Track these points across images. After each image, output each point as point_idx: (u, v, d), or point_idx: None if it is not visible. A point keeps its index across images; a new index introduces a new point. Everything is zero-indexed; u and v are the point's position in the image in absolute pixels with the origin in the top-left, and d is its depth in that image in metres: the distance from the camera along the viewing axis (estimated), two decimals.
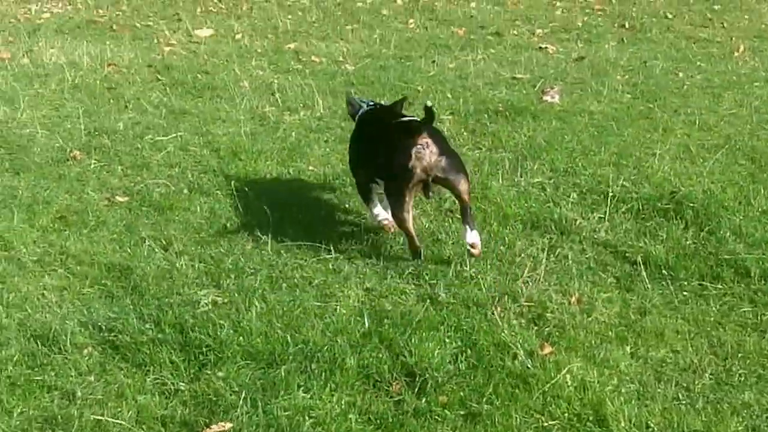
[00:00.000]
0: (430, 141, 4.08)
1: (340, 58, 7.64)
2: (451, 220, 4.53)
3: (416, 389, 3.21)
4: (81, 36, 8.55)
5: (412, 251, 4.16)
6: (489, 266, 4.07)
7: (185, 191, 4.94)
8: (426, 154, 4.05)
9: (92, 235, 4.44)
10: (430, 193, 4.15)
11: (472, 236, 4.08)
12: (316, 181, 5.08)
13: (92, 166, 5.28)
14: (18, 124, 5.96)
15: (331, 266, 4.13)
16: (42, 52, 7.75)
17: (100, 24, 9.08)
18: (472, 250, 4.07)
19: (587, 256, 4.16)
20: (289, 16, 9.30)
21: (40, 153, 5.49)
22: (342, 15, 9.44)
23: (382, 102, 5.26)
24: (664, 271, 4.00)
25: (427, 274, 4.01)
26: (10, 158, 5.42)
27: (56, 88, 6.74)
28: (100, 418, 3.09)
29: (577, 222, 4.44)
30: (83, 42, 8.20)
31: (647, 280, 3.93)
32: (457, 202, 4.23)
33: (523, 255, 4.15)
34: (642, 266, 4.02)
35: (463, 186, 4.12)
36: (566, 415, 3.07)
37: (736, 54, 7.80)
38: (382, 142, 4.25)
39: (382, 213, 4.40)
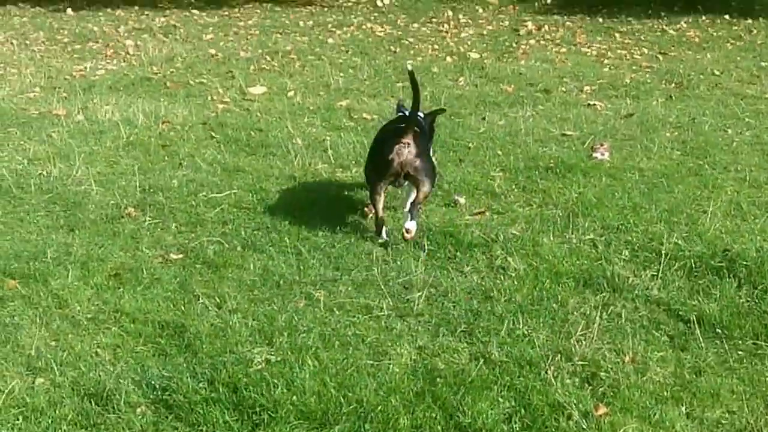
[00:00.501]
0: (411, 143, 4.91)
1: (391, 116, 7.66)
2: (503, 277, 4.51)
3: None
4: (135, 93, 8.66)
5: (377, 229, 5.01)
6: (542, 324, 4.03)
7: (239, 248, 4.96)
8: (405, 152, 4.91)
9: (146, 293, 4.46)
10: (398, 184, 5.04)
11: (411, 224, 4.91)
12: (369, 238, 5.07)
13: (146, 223, 5.33)
14: (73, 180, 6.03)
15: (383, 324, 4.12)
16: (97, 109, 7.87)
17: (154, 81, 9.20)
18: (406, 234, 4.90)
19: (640, 314, 4.11)
20: (341, 74, 9.38)
21: (94, 210, 5.55)
22: (393, 73, 9.49)
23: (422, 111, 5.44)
24: (718, 330, 3.94)
25: (479, 332, 3.98)
26: (65, 215, 5.48)
27: (111, 144, 6.83)
28: None
29: (630, 280, 4.39)
30: (137, 99, 8.32)
31: (701, 339, 3.86)
32: (414, 194, 5.01)
33: (575, 313, 4.11)
34: (696, 325, 3.96)
35: (425, 188, 4.99)
36: None
37: None
38: (378, 143, 5.17)
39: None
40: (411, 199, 5.06)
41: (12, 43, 11.39)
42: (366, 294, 4.40)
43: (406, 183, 5.07)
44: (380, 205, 5.02)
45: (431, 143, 5.53)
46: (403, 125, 5.05)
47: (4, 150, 6.69)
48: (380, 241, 4.98)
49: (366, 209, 5.42)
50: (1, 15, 14.06)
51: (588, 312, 4.11)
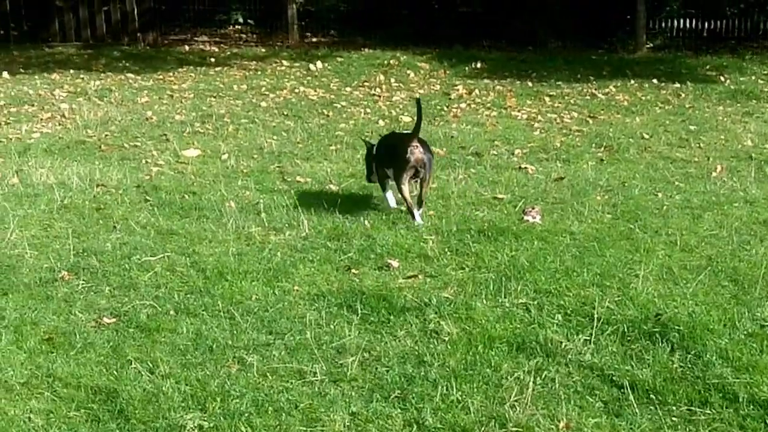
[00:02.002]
0: (419, 145, 6.35)
1: (324, 178, 7.66)
2: (436, 342, 4.48)
3: None
4: (70, 156, 8.55)
5: (410, 214, 6.37)
6: (475, 389, 4.00)
7: (171, 312, 4.88)
8: (417, 152, 6.31)
9: (79, 358, 4.36)
10: (417, 179, 6.39)
11: (419, 218, 6.35)
12: (301, 301, 5.03)
13: (80, 286, 5.22)
14: (7, 244, 5.91)
15: (317, 389, 4.06)
16: (32, 172, 7.75)
17: (89, 144, 9.10)
18: (420, 224, 6.27)
19: (574, 379, 4.10)
20: (274, 137, 9.37)
21: (28, 273, 5.43)
22: (325, 136, 9.50)
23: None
24: (652, 396, 3.94)
25: (413, 398, 3.94)
26: None
27: (45, 208, 6.71)
28: None
29: (563, 344, 4.39)
30: (72, 162, 8.21)
31: (635, 405, 3.86)
32: (419, 188, 6.50)
33: (509, 378, 4.09)
34: (629, 390, 3.96)
35: (429, 180, 6.55)
36: None
37: (714, 174, 7.87)
38: (393, 150, 6.44)
39: (390, 197, 6.72)
40: (419, 195, 6.52)
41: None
42: (299, 358, 4.34)
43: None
44: (407, 194, 6.35)
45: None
46: (408, 133, 6.60)
47: None
48: (416, 223, 6.31)
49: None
50: None
51: (522, 377, 4.09)
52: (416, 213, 6.37)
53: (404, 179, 6.34)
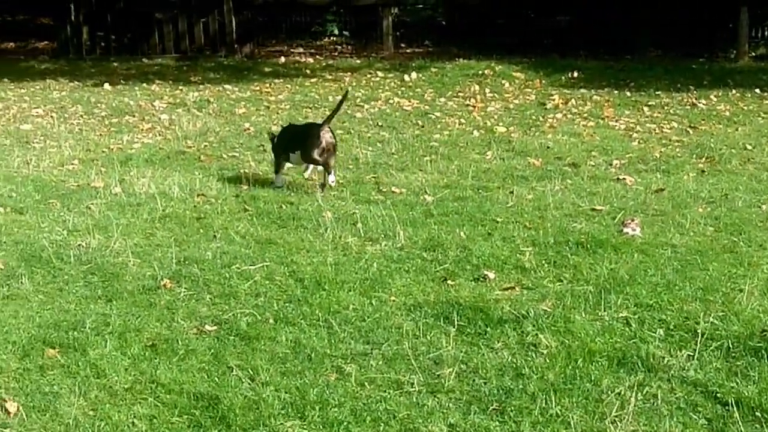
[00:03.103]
0: (329, 130, 7.63)
1: (419, 189, 7.67)
2: (534, 355, 4.46)
3: None
4: (171, 166, 8.72)
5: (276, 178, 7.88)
6: (575, 404, 3.97)
7: (271, 321, 4.95)
8: (327, 135, 7.58)
9: (181, 364, 4.45)
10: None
11: (332, 177, 7.70)
12: (398, 311, 5.05)
13: (182, 294, 5.33)
14: (111, 252, 6.05)
15: (414, 400, 4.08)
16: (133, 182, 7.92)
17: (188, 155, 9.27)
18: (332, 184, 7.68)
19: (677, 395, 4.04)
20: (369, 148, 9.42)
21: (131, 281, 5.56)
22: (419, 147, 9.52)
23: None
24: (757, 413, 3.85)
25: (511, 411, 3.93)
26: (103, 286, 5.50)
27: (147, 217, 6.86)
28: None
29: (665, 360, 4.33)
30: (173, 172, 8.38)
31: (740, 423, 3.78)
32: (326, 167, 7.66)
33: (610, 393, 4.04)
34: (734, 408, 3.87)
35: (332, 161, 7.71)
36: None
37: None
38: (302, 134, 7.78)
39: (279, 178, 7.90)
40: (326, 171, 7.72)
41: (52, 117, 11.54)
42: (396, 369, 4.36)
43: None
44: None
45: None
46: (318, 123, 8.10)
47: (45, 221, 6.74)
48: (277, 185, 7.80)
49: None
50: (42, 89, 14.27)
51: (623, 392, 4.04)
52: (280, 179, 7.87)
53: (317, 155, 7.59)
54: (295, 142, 7.78)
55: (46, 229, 6.58)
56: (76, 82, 14.84)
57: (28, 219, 6.84)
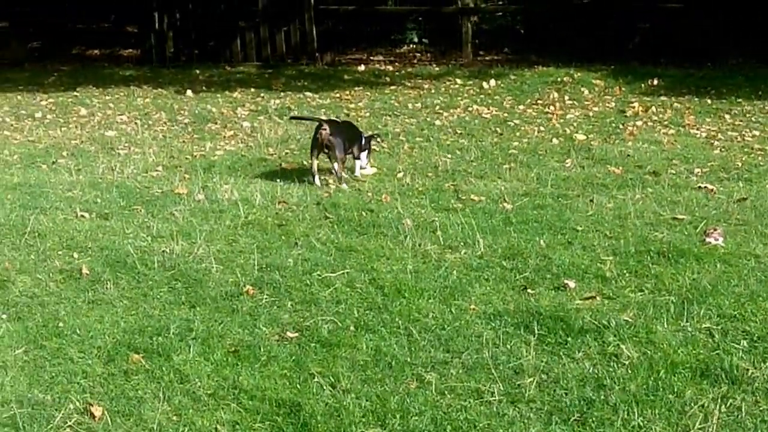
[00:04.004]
0: (326, 127, 8.16)
1: (498, 197, 7.63)
2: (616, 365, 4.40)
3: None
4: (253, 173, 8.80)
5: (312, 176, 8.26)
6: (658, 416, 3.91)
7: (351, 328, 4.97)
8: (323, 133, 8.07)
9: (263, 370, 4.49)
10: (325, 152, 8.21)
11: (337, 166, 8.25)
12: (478, 320, 5.03)
13: (264, 301, 5.38)
14: (194, 258, 6.13)
15: (494, 409, 4.06)
16: (216, 189, 8.02)
17: (270, 162, 9.35)
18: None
19: (761, 408, 3.95)
20: (449, 155, 9.40)
21: (214, 287, 5.63)
22: (498, 154, 9.48)
23: None
24: None
25: (593, 422, 3.89)
26: (186, 291, 5.57)
27: (230, 223, 6.93)
28: None
29: (749, 372, 4.24)
30: (255, 179, 8.46)
31: None
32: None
33: (693, 405, 3.98)
34: None
35: (338, 155, 8.18)
36: None
37: None
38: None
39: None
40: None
41: (136, 123, 11.73)
42: (477, 378, 4.35)
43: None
44: (314, 166, 8.24)
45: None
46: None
47: (130, 227, 6.85)
48: (316, 183, 8.18)
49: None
50: (126, 96, 14.51)
51: (706, 404, 3.98)
52: (316, 177, 8.23)
53: (314, 154, 8.21)
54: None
55: (130, 234, 6.69)
56: (160, 89, 15.06)
57: (113, 225, 6.96)
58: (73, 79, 16.36)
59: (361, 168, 8.65)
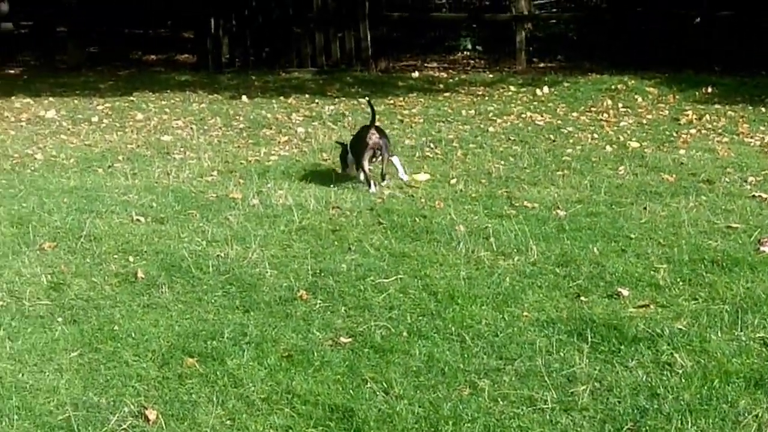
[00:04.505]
0: (375, 132, 8.30)
1: (552, 204, 7.59)
2: (669, 374, 4.36)
3: None
4: (306, 179, 8.84)
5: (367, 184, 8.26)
6: (712, 425, 3.87)
7: (405, 334, 4.97)
8: (374, 138, 8.22)
9: (317, 375, 4.51)
10: (376, 159, 8.31)
11: (402, 173, 8.53)
12: (531, 327, 5.01)
13: (317, 306, 5.40)
14: (249, 262, 6.17)
15: (547, 417, 4.04)
16: (271, 194, 8.06)
17: (324, 167, 9.38)
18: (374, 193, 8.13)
19: None
20: (502, 162, 9.37)
21: (268, 291, 5.66)
22: (552, 161, 9.42)
23: None
24: None
25: (646, 431, 3.85)
26: (240, 296, 5.62)
27: (284, 228, 6.97)
28: None
29: None
30: (309, 184, 8.50)
31: None
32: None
33: (747, 415, 3.93)
34: None
35: (386, 155, 8.34)
36: None
37: None
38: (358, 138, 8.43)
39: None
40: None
41: (191, 128, 11.84)
42: (530, 385, 4.33)
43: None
44: (367, 170, 8.25)
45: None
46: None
47: (185, 231, 6.91)
48: (371, 191, 8.12)
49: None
50: (182, 101, 14.64)
51: (760, 414, 3.93)
52: (372, 185, 8.15)
53: (365, 157, 8.20)
54: (352, 146, 8.59)
55: (185, 239, 6.75)
56: (215, 95, 15.18)
57: (169, 229, 7.03)
58: (130, 84, 16.56)
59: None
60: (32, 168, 9.59)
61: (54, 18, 20.94)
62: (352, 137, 8.82)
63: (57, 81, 17.26)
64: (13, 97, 15.23)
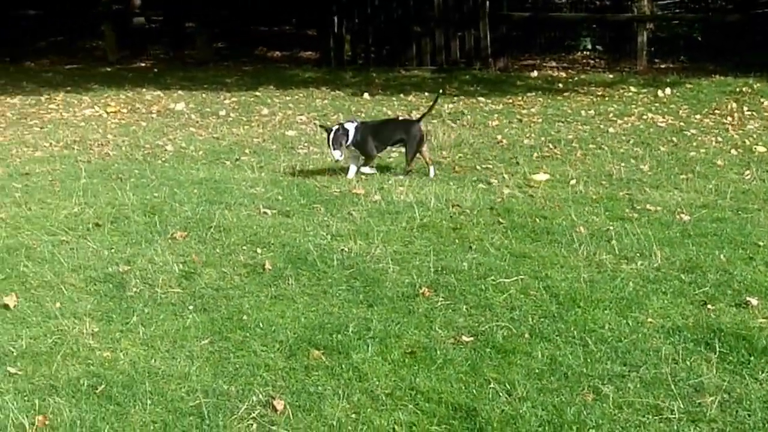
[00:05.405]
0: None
1: (675, 208, 7.39)
2: None
3: None
4: (427, 176, 8.80)
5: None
6: None
7: (526, 335, 4.89)
8: (423, 130, 8.70)
9: (439, 373, 4.47)
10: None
11: (432, 170, 8.71)
12: (656, 334, 4.87)
13: (439, 303, 5.36)
14: (372, 258, 6.17)
15: (674, 427, 3.93)
16: (392, 190, 8.05)
17: (443, 165, 9.33)
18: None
19: None
20: (622, 164, 9.16)
21: (391, 287, 5.64)
22: (675, 164, 9.18)
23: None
24: None
25: None
26: (364, 290, 5.61)
27: (406, 225, 6.94)
28: None
29: None
30: (429, 182, 8.46)
31: None
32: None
33: None
34: None
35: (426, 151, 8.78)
36: None
37: None
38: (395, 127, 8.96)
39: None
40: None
41: (314, 124, 11.93)
42: (655, 393, 4.21)
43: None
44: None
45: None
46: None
47: (310, 225, 6.95)
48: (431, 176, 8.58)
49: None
50: (305, 97, 14.78)
51: None
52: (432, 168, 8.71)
53: (421, 151, 8.68)
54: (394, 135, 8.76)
55: (311, 232, 6.78)
56: (338, 91, 15.28)
57: (294, 222, 7.07)
58: (255, 80, 16.80)
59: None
60: (163, 159, 9.79)
61: (183, 14, 21.38)
62: (369, 126, 8.80)
63: (186, 75, 17.64)
64: (143, 90, 15.62)
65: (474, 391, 4.26)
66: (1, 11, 21.28)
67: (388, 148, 8.98)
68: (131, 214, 7.27)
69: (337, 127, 8.52)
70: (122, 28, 21.16)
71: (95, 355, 4.76)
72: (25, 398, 4.30)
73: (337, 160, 8.51)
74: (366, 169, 8.74)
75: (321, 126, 9.29)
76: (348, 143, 8.45)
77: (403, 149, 8.93)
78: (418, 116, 9.39)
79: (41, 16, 22.25)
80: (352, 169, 8.64)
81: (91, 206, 7.59)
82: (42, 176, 8.93)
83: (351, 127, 8.50)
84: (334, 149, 8.41)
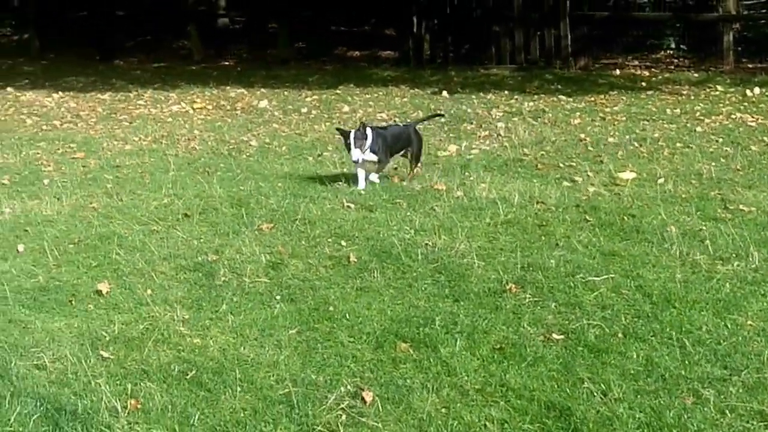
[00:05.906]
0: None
1: None
2: None
3: None
4: (508, 173, 8.63)
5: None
6: None
7: (620, 335, 4.68)
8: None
9: (530, 370, 4.29)
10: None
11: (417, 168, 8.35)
12: (756, 337, 4.62)
13: (527, 300, 5.18)
14: (456, 253, 6.01)
15: None
16: (474, 187, 7.88)
17: (525, 162, 9.14)
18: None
19: None
20: (712, 163, 8.85)
21: (477, 282, 5.48)
22: (767, 164, 8.85)
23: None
24: None
25: None
26: (449, 285, 5.46)
27: (490, 221, 6.76)
28: None
29: None
30: (511, 179, 8.28)
31: None
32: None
33: None
34: None
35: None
36: None
37: None
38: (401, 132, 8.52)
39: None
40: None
41: (395, 122, 11.80)
42: (759, 399, 3.98)
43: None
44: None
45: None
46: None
47: (393, 220, 6.82)
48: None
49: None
50: (384, 95, 14.69)
51: None
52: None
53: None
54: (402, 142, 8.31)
55: (394, 227, 6.64)
56: (417, 90, 15.15)
57: (378, 216, 6.95)
58: (335, 78, 16.75)
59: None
60: (247, 154, 9.78)
61: (266, 14, 21.46)
62: (382, 131, 8.15)
63: (268, 73, 17.68)
64: (228, 87, 15.68)
65: (567, 390, 4.08)
66: (91, 12, 21.64)
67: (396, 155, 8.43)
68: (219, 206, 7.25)
69: (359, 126, 7.96)
70: (207, 29, 21.34)
71: (186, 342, 4.71)
72: (118, 382, 4.26)
73: (355, 161, 7.80)
74: (374, 177, 8.12)
75: (337, 129, 8.61)
76: (366, 147, 7.80)
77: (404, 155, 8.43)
78: (415, 121, 9.67)
79: (130, 17, 22.53)
80: (362, 176, 7.93)
81: (180, 198, 7.61)
82: (132, 168, 8.99)
83: (369, 132, 7.93)
84: (355, 148, 7.70)
